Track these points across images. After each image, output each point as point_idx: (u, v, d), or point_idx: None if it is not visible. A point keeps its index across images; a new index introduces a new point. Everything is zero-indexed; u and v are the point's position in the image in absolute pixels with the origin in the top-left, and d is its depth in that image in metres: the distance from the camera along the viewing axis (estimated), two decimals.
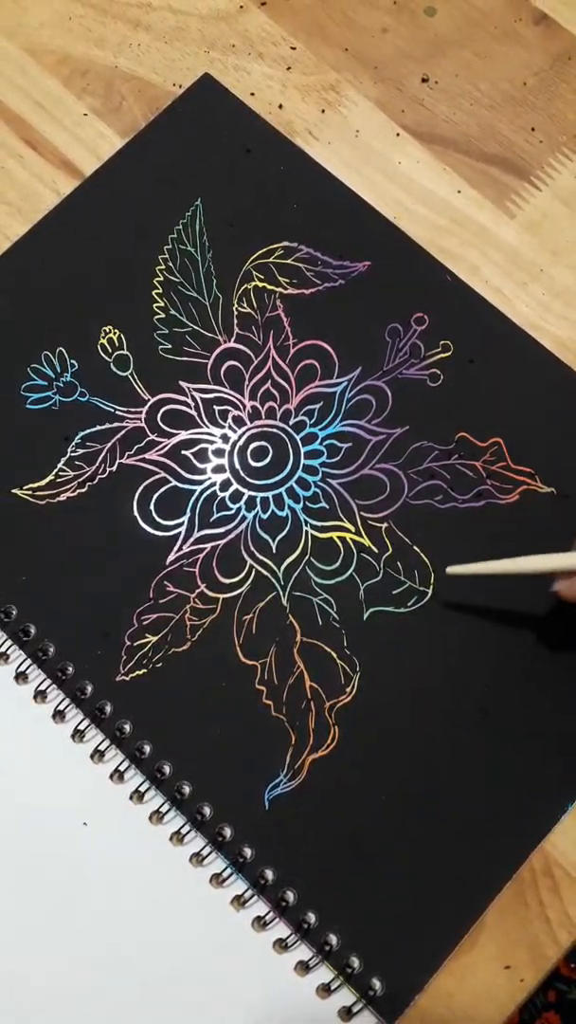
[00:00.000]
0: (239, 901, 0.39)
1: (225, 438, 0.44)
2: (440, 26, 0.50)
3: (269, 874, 0.39)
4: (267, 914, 0.39)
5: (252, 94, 0.49)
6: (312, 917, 0.39)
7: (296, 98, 0.49)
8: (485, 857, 0.39)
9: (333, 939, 0.38)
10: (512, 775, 0.40)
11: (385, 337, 0.45)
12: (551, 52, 0.49)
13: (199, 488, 0.44)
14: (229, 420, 0.45)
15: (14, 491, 0.44)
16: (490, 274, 0.46)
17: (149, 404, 0.45)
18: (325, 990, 0.38)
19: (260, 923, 0.39)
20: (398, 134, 0.49)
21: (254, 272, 0.46)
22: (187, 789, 0.40)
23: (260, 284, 0.46)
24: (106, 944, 0.39)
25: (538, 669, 0.41)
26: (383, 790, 0.40)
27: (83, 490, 0.44)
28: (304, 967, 0.38)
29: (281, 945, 0.38)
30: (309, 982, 0.38)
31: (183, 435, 0.44)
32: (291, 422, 0.45)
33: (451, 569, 0.41)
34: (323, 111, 0.49)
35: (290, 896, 0.39)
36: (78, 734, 0.41)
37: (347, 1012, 0.38)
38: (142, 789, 0.40)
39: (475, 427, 0.44)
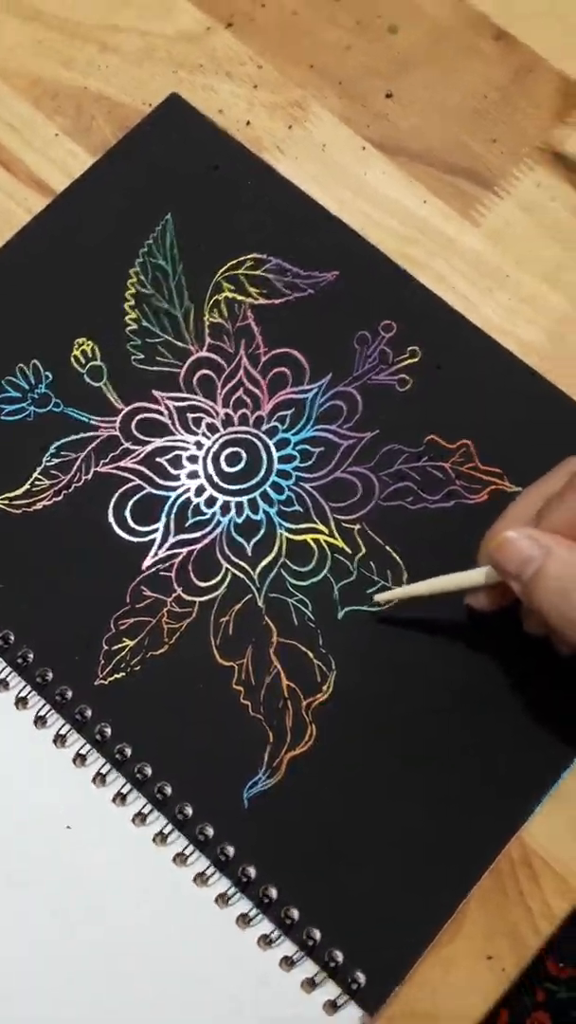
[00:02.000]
0: (223, 899, 0.41)
1: (199, 445, 0.47)
2: (402, 43, 0.53)
3: (251, 871, 0.41)
4: (251, 911, 0.40)
5: (220, 111, 0.52)
6: (295, 912, 0.40)
7: (263, 115, 0.52)
8: (463, 848, 0.41)
9: (316, 934, 0.40)
10: (488, 767, 0.42)
11: (354, 344, 0.48)
12: (511, 66, 0.53)
13: (174, 494, 0.46)
14: (203, 427, 0.47)
15: None
16: (456, 281, 0.49)
17: (123, 413, 0.47)
18: (310, 984, 0.40)
19: (244, 920, 0.40)
20: (364, 148, 0.52)
21: (224, 283, 0.49)
22: (169, 790, 0.42)
23: (231, 295, 0.49)
24: (91, 945, 0.40)
25: (511, 663, 0.43)
26: (361, 785, 0.42)
27: (59, 499, 0.46)
28: (288, 962, 0.40)
29: (265, 941, 0.40)
30: (293, 977, 0.40)
31: (157, 443, 0.47)
32: (264, 428, 0.47)
33: (378, 596, 0.44)
34: (290, 127, 0.52)
35: (273, 892, 0.41)
36: (60, 739, 0.42)
37: (332, 1005, 0.39)
38: (124, 791, 0.42)
39: (444, 430, 0.47)
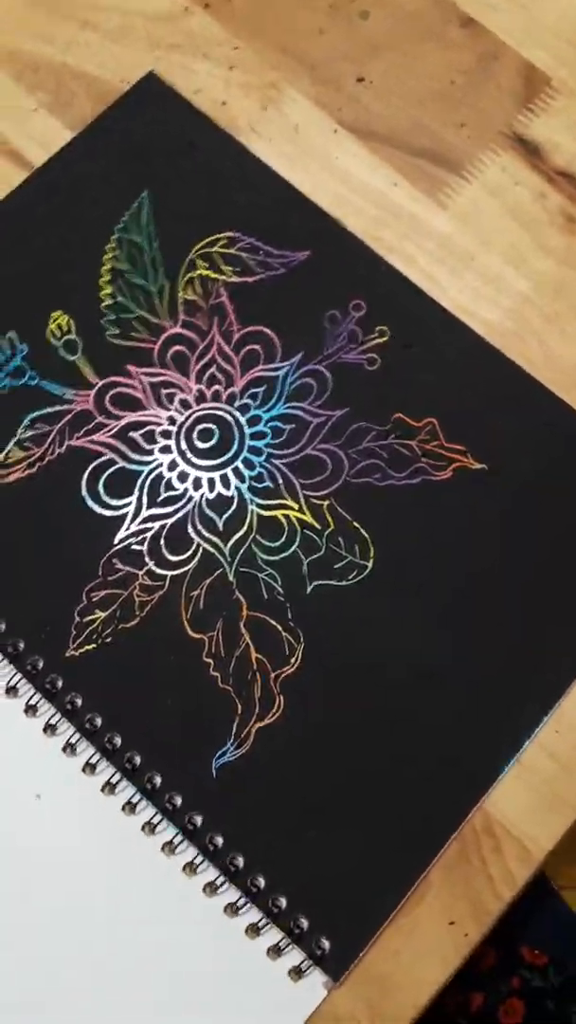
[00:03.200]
0: (191, 868, 0.36)
1: (172, 420, 0.41)
2: (373, 28, 0.47)
3: (219, 840, 0.36)
4: (218, 879, 0.36)
5: (197, 91, 0.46)
6: (261, 881, 0.36)
7: (239, 95, 0.46)
8: (426, 817, 0.37)
9: (282, 902, 0.36)
10: (451, 737, 0.38)
11: (325, 323, 0.43)
12: (477, 52, 0.47)
13: (147, 468, 0.41)
14: (176, 403, 0.42)
15: None
16: (424, 263, 0.44)
17: (97, 387, 0.42)
18: (275, 951, 0.35)
19: (211, 888, 0.36)
20: (335, 130, 0.46)
21: (199, 261, 0.43)
22: (138, 760, 0.37)
23: (205, 272, 0.43)
24: (57, 911, 0.36)
25: (475, 636, 0.39)
26: (327, 755, 0.37)
27: (32, 471, 0.40)
28: (255, 930, 0.35)
29: (232, 909, 0.36)
30: (259, 944, 0.35)
31: (131, 417, 0.41)
32: (236, 404, 0.42)
33: None
34: (264, 108, 0.46)
35: (239, 861, 0.36)
36: (31, 709, 0.37)
37: (297, 972, 0.35)
38: (93, 761, 0.37)
39: (410, 408, 0.42)
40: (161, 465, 0.41)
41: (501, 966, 0.56)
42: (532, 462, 0.41)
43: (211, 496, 0.40)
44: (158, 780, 0.37)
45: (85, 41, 0.47)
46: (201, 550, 0.40)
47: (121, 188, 0.44)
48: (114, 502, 0.40)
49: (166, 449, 0.41)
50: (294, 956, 0.35)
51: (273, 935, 0.36)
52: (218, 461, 0.41)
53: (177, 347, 0.42)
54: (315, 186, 0.45)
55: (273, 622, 0.39)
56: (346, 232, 0.44)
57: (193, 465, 0.41)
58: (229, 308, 0.43)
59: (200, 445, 0.41)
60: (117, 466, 0.41)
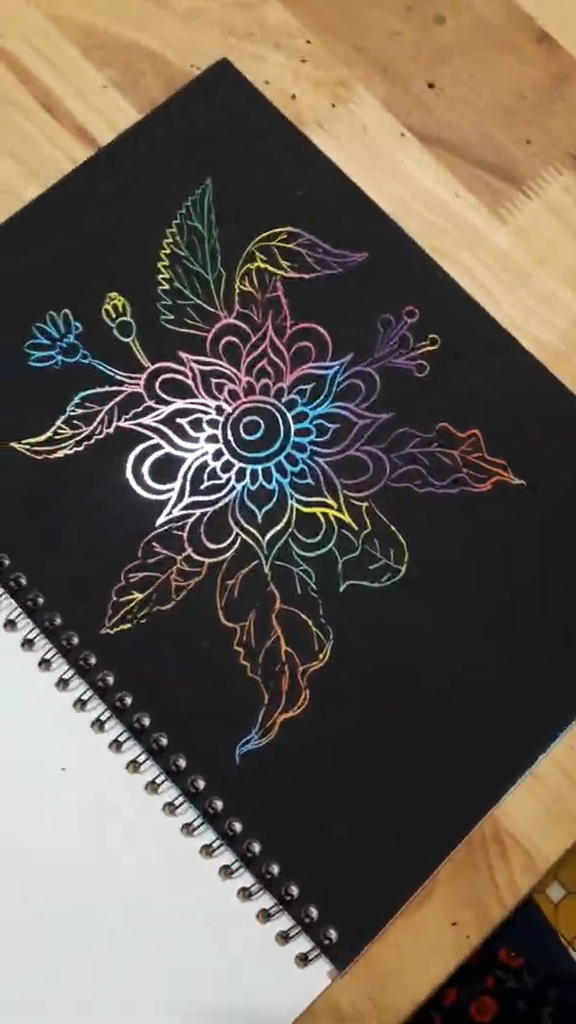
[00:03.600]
0: (207, 851, 0.37)
1: (220, 410, 0.42)
2: (448, 35, 0.48)
3: (237, 826, 0.37)
4: (233, 863, 0.37)
5: (267, 82, 0.47)
6: (275, 868, 0.37)
7: (308, 90, 0.47)
8: (439, 820, 0.38)
9: (294, 890, 0.37)
10: (468, 745, 0.39)
11: (377, 326, 0.43)
12: (550, 70, 0.47)
13: (192, 456, 0.41)
14: (224, 393, 0.42)
15: (12, 444, 0.41)
16: (480, 275, 0.45)
17: (148, 371, 0.42)
18: (283, 938, 0.37)
19: (226, 872, 0.37)
20: (403, 134, 0.46)
21: (257, 253, 0.44)
22: (164, 741, 0.38)
23: (262, 265, 0.44)
24: (74, 883, 0.37)
25: (499, 648, 0.40)
26: (348, 751, 0.38)
27: (80, 448, 0.41)
28: (265, 915, 0.37)
29: (245, 894, 0.37)
30: (269, 929, 0.37)
31: (179, 404, 0.42)
32: (284, 400, 0.42)
33: None
34: (333, 105, 0.47)
35: (255, 848, 0.37)
36: (63, 683, 0.38)
37: (303, 959, 0.36)
38: (121, 739, 0.38)
39: (455, 418, 0.43)
40: (206, 454, 0.41)
41: (477, 964, 0.58)
42: (572, 482, 0.42)
43: (253, 488, 0.41)
44: (182, 762, 0.38)
45: (159, 21, 0.47)
46: (239, 540, 0.41)
47: (185, 173, 0.45)
48: (158, 486, 0.41)
49: (212, 438, 0.42)
50: (301, 943, 0.37)
51: (283, 922, 0.37)
52: (262, 454, 0.42)
53: (230, 337, 0.43)
54: (377, 188, 0.45)
55: (304, 617, 0.40)
56: (405, 237, 0.45)
57: (237, 456, 0.42)
58: (284, 303, 0.43)
59: (246, 437, 0.42)
60: (163, 451, 0.41)
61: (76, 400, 0.42)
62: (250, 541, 0.41)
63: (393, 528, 0.41)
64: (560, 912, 0.88)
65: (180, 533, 0.40)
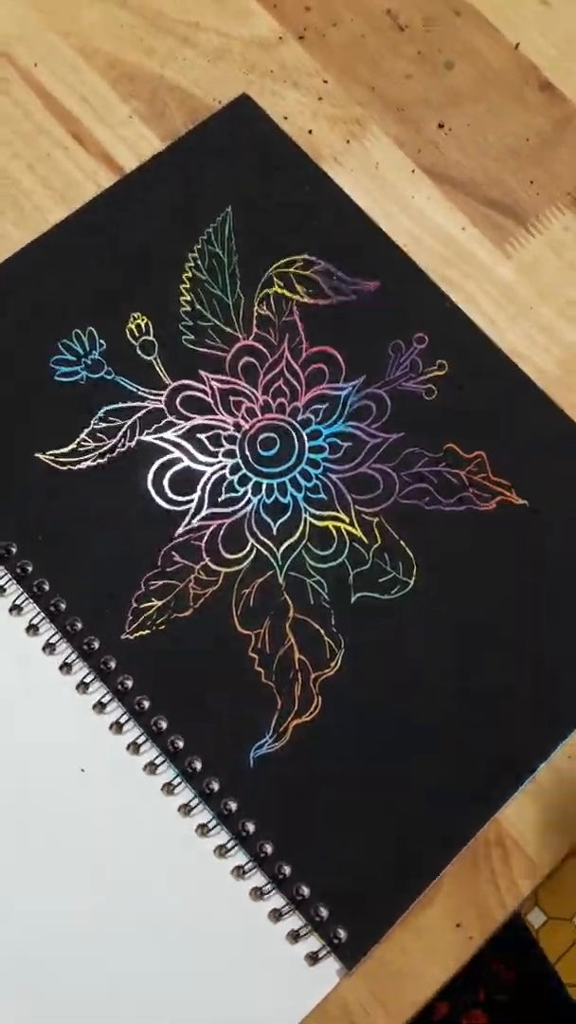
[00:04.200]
0: (221, 851, 0.39)
1: (237, 426, 0.44)
2: (457, 79, 0.51)
3: (250, 827, 0.39)
4: (246, 864, 0.39)
5: (285, 118, 0.50)
6: (287, 869, 0.39)
7: (325, 127, 0.50)
8: (444, 824, 0.40)
9: (305, 890, 0.38)
10: (472, 752, 0.41)
11: (388, 351, 0.46)
12: (553, 117, 0.51)
13: (210, 470, 0.44)
14: (242, 410, 0.45)
15: (38, 455, 0.43)
16: (485, 305, 0.47)
17: (170, 388, 0.44)
18: (293, 937, 0.38)
19: (239, 872, 0.38)
20: (413, 171, 0.49)
21: (275, 279, 0.47)
22: (180, 744, 0.40)
23: (280, 291, 0.46)
24: (92, 882, 0.38)
25: (504, 661, 0.42)
26: (358, 756, 0.40)
27: (102, 461, 0.43)
28: (277, 915, 0.38)
29: (257, 894, 0.38)
30: (280, 929, 0.38)
31: (199, 420, 0.44)
32: (299, 418, 0.45)
33: None
34: (348, 141, 0.50)
35: (268, 848, 0.39)
36: (83, 686, 0.40)
37: (313, 958, 0.38)
38: (139, 741, 0.40)
39: (462, 439, 0.45)
40: (225, 467, 0.44)
41: (469, 977, 0.59)
42: (572, 504, 0.44)
43: (268, 501, 0.43)
44: (198, 764, 0.39)
45: (183, 57, 0.50)
46: (255, 551, 0.43)
47: (206, 201, 0.47)
48: (177, 498, 0.43)
49: (230, 453, 0.44)
50: (311, 943, 0.38)
51: (293, 921, 0.38)
52: (278, 469, 0.44)
53: (248, 358, 0.45)
54: (389, 220, 0.48)
55: (317, 626, 0.42)
56: (415, 267, 0.47)
57: (254, 471, 0.44)
58: (300, 327, 0.46)
59: (262, 453, 0.44)
60: (183, 464, 0.43)
61: (100, 414, 0.44)
62: (265, 552, 0.43)
63: (402, 543, 0.43)
64: (542, 937, 0.89)
65: (198, 543, 0.42)
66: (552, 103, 0.51)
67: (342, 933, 0.38)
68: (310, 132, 0.50)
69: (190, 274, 0.46)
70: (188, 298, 0.46)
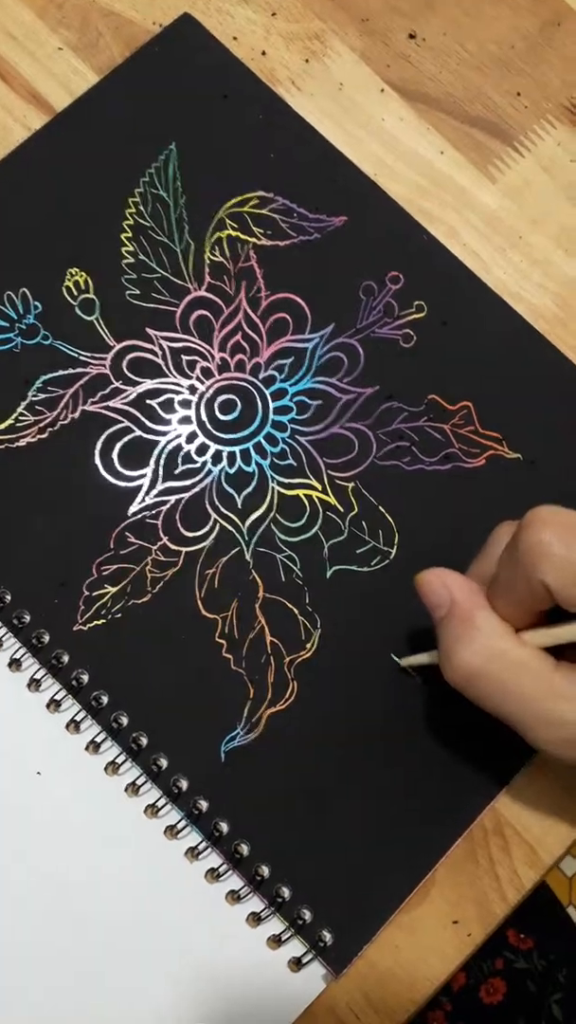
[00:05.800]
0: (193, 853, 0.41)
1: (192, 389, 0.46)
2: None
3: (224, 826, 0.41)
4: (220, 866, 0.41)
5: (234, 38, 0.50)
6: (265, 870, 0.41)
7: (280, 45, 0.50)
8: (437, 814, 0.42)
9: (285, 892, 0.40)
10: (466, 736, 0.42)
11: (359, 294, 0.47)
12: (541, 16, 0.51)
13: (164, 439, 0.45)
14: (197, 371, 0.46)
15: None
16: (468, 238, 0.48)
17: (115, 350, 0.46)
18: (276, 941, 0.40)
19: (213, 875, 0.41)
20: (382, 90, 0.50)
21: (228, 220, 0.48)
22: (144, 740, 0.42)
23: (234, 233, 0.47)
24: (55, 892, 0.40)
25: None
26: (339, 745, 0.42)
27: (44, 436, 0.45)
28: (256, 918, 0.40)
29: (234, 897, 0.40)
30: (260, 933, 0.40)
31: (149, 384, 0.46)
32: (261, 376, 0.46)
33: (403, 661, 0.42)
34: (307, 61, 0.50)
35: (244, 848, 0.41)
36: (35, 683, 0.42)
37: (297, 962, 0.40)
38: (98, 740, 0.42)
39: (446, 390, 0.46)
40: (180, 436, 0.45)
41: (486, 947, 0.62)
42: (571, 454, 0.45)
43: (231, 471, 0.45)
44: (164, 762, 0.41)
45: None
46: (218, 527, 0.44)
47: (147, 138, 0.49)
48: (128, 472, 0.44)
49: (185, 420, 0.45)
50: (295, 947, 0.40)
51: (274, 925, 0.40)
52: (240, 435, 0.45)
53: (200, 311, 0.47)
54: (356, 148, 0.49)
55: (290, 605, 0.43)
56: (387, 199, 0.48)
57: (213, 438, 0.45)
58: (258, 273, 0.47)
59: (221, 417, 0.45)
60: (133, 435, 0.45)
61: (38, 384, 0.45)
62: (229, 528, 0.44)
63: (381, 509, 0.44)
64: (575, 886, 0.91)
65: (154, 522, 0.44)
66: (539, 1, 0.51)
67: (327, 936, 0.40)
68: (263, 53, 0.50)
69: (131, 221, 0.47)
70: (131, 248, 0.47)
